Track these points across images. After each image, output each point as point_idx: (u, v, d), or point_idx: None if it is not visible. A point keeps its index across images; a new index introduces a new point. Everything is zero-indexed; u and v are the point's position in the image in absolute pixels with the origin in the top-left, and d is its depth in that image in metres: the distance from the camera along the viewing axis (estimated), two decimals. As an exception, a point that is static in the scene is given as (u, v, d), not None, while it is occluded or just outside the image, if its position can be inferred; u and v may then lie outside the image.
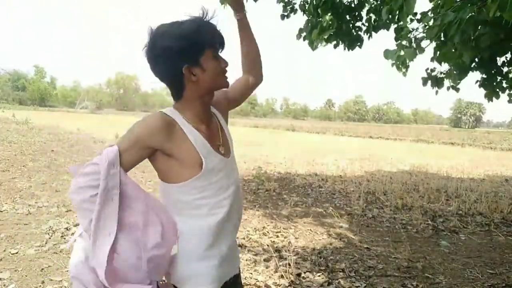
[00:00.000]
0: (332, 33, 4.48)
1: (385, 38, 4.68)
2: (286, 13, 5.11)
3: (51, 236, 3.65)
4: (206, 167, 1.05)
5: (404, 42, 3.50)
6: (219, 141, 1.14)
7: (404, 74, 3.87)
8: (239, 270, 1.30)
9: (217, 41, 1.08)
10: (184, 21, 1.04)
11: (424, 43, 3.39)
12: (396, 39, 4.40)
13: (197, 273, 1.10)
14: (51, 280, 2.79)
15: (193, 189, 1.06)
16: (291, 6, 5.03)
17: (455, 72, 4.04)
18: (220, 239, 1.13)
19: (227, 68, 1.12)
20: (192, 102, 1.07)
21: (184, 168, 1.05)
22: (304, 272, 3.09)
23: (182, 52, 1.00)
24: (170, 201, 1.11)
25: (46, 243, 3.47)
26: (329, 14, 4.30)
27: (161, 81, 1.09)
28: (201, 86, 1.06)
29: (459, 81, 4.26)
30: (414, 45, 3.31)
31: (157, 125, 1.02)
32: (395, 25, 4.46)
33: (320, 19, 4.42)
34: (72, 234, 3.73)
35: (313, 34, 4.52)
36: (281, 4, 5.08)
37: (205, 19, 1.06)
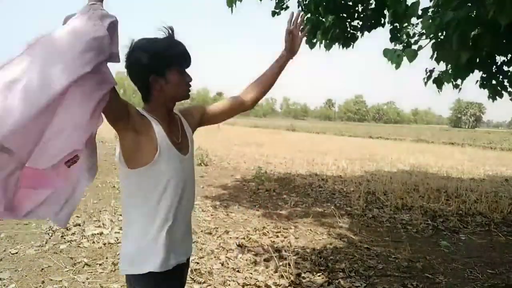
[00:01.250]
0: (334, 34, 4.45)
1: (385, 38, 4.67)
2: (277, 10, 5.05)
3: (51, 236, 3.65)
4: (159, 155, 1.20)
5: (403, 38, 3.48)
6: (177, 140, 1.29)
7: (397, 67, 3.85)
8: (188, 263, 1.44)
9: (184, 59, 1.27)
10: (159, 39, 1.23)
11: (423, 42, 3.39)
12: (392, 40, 4.39)
13: (143, 253, 1.23)
14: (51, 280, 2.79)
15: (147, 175, 1.20)
16: (282, 3, 4.97)
17: (451, 72, 4.03)
18: (168, 227, 1.25)
19: (190, 83, 1.31)
20: (157, 105, 1.26)
21: (144, 152, 1.19)
22: (304, 272, 3.09)
23: (151, 65, 1.20)
24: (126, 185, 1.25)
25: (46, 243, 3.47)
26: (332, 15, 4.26)
27: (134, 85, 1.28)
28: (164, 94, 1.25)
29: (459, 81, 4.25)
30: (411, 40, 3.30)
31: (135, 107, 1.23)
32: (391, 26, 4.45)
33: (322, 19, 4.39)
34: (72, 234, 3.74)
35: (317, 35, 4.49)
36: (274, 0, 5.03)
37: (175, 40, 1.25)
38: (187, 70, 1.30)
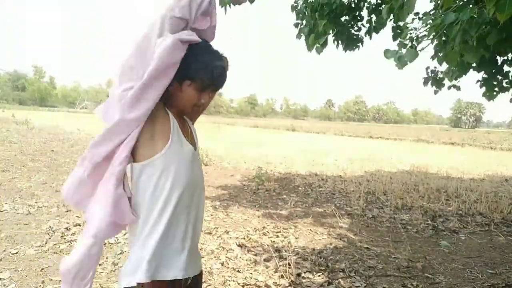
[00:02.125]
0: (327, 38, 4.48)
1: (385, 38, 4.68)
2: (300, 21, 5.10)
3: (51, 236, 3.65)
4: (171, 144, 1.13)
5: (406, 42, 3.48)
6: (188, 139, 1.23)
7: (400, 67, 3.85)
8: (201, 276, 1.31)
9: (213, 85, 1.20)
10: (200, 48, 1.15)
11: (424, 43, 3.39)
12: (394, 38, 4.39)
13: (145, 258, 1.11)
14: (51, 280, 2.79)
15: (155, 167, 1.12)
16: (302, 16, 5.01)
17: (452, 70, 4.03)
18: (175, 230, 1.15)
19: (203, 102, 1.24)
20: (170, 104, 1.20)
21: (156, 141, 1.12)
22: (304, 272, 3.09)
23: (181, 67, 1.12)
24: (135, 182, 1.16)
25: (46, 243, 3.47)
26: (325, 20, 4.28)
27: None
28: (176, 99, 1.19)
29: (458, 80, 4.25)
30: (415, 43, 3.30)
31: None
32: (393, 24, 4.45)
33: (317, 22, 4.41)
34: (72, 234, 3.73)
35: (309, 39, 4.52)
36: (294, 12, 5.07)
37: (217, 57, 1.19)
38: None
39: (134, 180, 1.16)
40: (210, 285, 2.81)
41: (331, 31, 4.45)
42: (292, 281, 2.90)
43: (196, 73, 1.15)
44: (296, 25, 5.11)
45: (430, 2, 3.80)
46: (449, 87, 4.40)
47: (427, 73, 4.45)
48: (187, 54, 1.11)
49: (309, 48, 4.72)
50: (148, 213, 1.12)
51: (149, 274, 1.10)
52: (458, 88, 4.39)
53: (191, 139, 1.26)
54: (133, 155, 1.14)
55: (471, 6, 2.45)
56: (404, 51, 3.01)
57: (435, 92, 4.44)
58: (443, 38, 3.34)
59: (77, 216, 4.29)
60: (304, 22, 4.87)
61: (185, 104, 1.20)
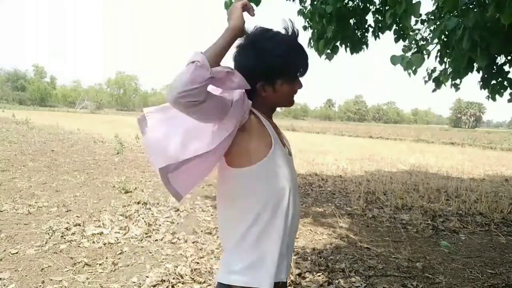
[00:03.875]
0: (338, 43, 4.47)
1: (387, 38, 4.68)
2: (308, 25, 5.10)
3: (51, 236, 3.65)
4: (274, 149, 1.09)
5: (412, 45, 3.48)
6: (282, 140, 1.20)
7: (414, 73, 3.86)
8: (286, 281, 1.26)
9: (299, 69, 1.14)
10: (277, 40, 1.07)
11: (430, 47, 3.40)
12: (396, 40, 4.39)
13: (255, 264, 1.09)
14: (51, 280, 2.79)
15: (260, 173, 1.08)
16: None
17: (451, 72, 4.03)
18: (285, 235, 1.12)
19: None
20: (259, 107, 1.15)
21: (254, 149, 1.08)
22: (304, 272, 3.09)
23: (260, 72, 1.08)
24: (232, 187, 1.13)
25: (46, 243, 3.47)
26: (334, 25, 4.27)
27: None
28: (267, 102, 1.15)
29: (458, 81, 4.26)
30: (415, 45, 3.31)
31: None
32: (396, 27, 4.45)
33: (325, 29, 4.39)
34: (72, 234, 3.73)
35: (319, 45, 4.51)
36: (302, 16, 5.06)
37: (295, 44, 1.11)
38: None
39: (228, 185, 1.14)
40: (210, 285, 2.81)
41: (340, 36, 4.42)
42: (292, 281, 2.90)
43: (285, 69, 1.09)
44: (304, 28, 5.10)
45: (433, 5, 3.81)
46: (451, 85, 4.40)
47: (427, 72, 4.45)
48: (265, 60, 1.06)
49: (320, 54, 4.72)
50: (256, 217, 1.08)
51: (272, 280, 1.08)
52: (456, 87, 4.39)
53: (283, 140, 1.23)
54: (233, 159, 1.10)
55: (475, 10, 2.45)
56: (409, 54, 3.01)
57: (433, 90, 4.45)
58: (448, 40, 3.34)
59: (77, 216, 4.30)
60: (311, 28, 4.86)
61: (283, 100, 1.16)
